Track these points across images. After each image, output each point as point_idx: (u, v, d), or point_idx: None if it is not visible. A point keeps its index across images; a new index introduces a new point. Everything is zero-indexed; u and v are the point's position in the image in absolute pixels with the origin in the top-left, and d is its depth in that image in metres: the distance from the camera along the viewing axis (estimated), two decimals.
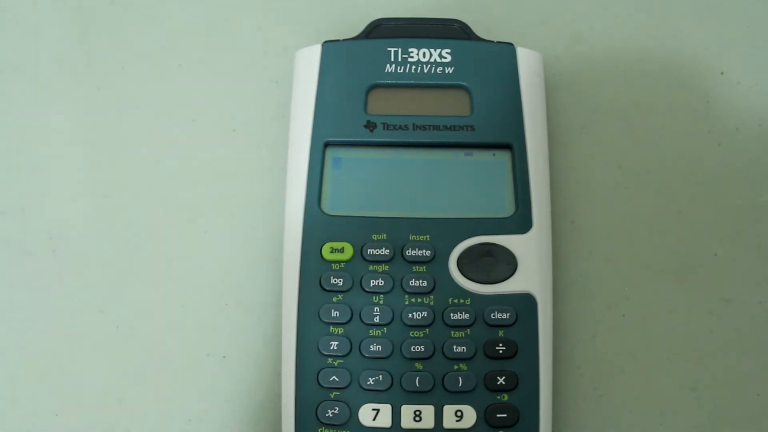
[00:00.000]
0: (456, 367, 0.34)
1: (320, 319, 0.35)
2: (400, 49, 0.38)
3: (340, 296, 0.35)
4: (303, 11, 0.43)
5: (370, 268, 0.35)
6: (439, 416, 0.34)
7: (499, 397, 0.34)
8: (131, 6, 0.43)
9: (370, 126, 0.37)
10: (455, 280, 0.35)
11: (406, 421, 0.34)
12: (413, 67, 0.38)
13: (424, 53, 0.38)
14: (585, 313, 0.38)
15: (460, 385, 0.34)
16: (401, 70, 0.38)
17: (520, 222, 0.36)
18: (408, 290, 0.35)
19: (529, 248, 0.36)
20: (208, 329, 0.38)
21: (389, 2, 0.43)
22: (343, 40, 0.39)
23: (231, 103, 0.41)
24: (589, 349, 0.38)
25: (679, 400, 0.37)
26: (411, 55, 0.38)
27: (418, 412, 0.34)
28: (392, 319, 0.35)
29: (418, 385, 0.34)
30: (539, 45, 0.40)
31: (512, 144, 0.37)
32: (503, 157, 0.37)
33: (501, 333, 0.35)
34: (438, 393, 0.34)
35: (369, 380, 0.34)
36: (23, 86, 0.42)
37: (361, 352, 0.35)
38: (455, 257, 0.35)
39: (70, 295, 0.39)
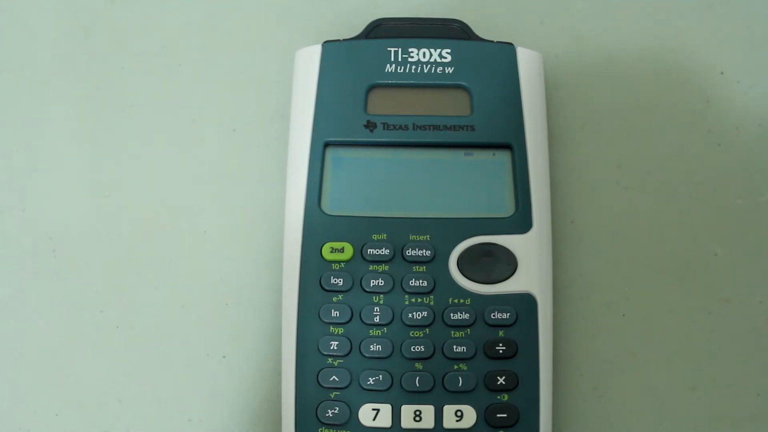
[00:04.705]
0: (456, 367, 0.34)
1: (320, 319, 0.35)
2: (400, 49, 0.38)
3: (340, 296, 0.35)
4: (303, 11, 0.43)
5: (370, 268, 0.35)
6: (439, 416, 0.34)
7: (499, 397, 0.34)
8: (131, 6, 0.43)
9: (370, 126, 0.37)
10: (455, 280, 0.35)
11: (406, 421, 0.34)
12: (413, 67, 0.38)
13: (424, 53, 0.38)
14: (585, 313, 0.38)
15: (460, 385, 0.34)
16: (401, 70, 0.38)
17: (520, 222, 0.36)
18: (408, 290, 0.35)
19: (529, 248, 0.36)
20: (208, 329, 0.38)
21: (389, 2, 0.43)
22: (343, 40, 0.39)
23: (231, 103, 0.41)
24: (589, 349, 0.38)
25: (679, 400, 0.37)
26: (411, 55, 0.38)
27: (418, 412, 0.34)
28: (392, 319, 0.35)
29: (418, 385, 0.34)
30: (539, 45, 0.40)
31: (512, 144, 0.37)
32: (503, 157, 0.37)
33: (501, 333, 0.35)
34: (438, 393, 0.34)
35: (369, 380, 0.34)
36: (23, 86, 0.42)
37: (361, 352, 0.35)
38: (455, 257, 0.35)
39: (70, 295, 0.39)
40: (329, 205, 0.36)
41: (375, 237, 0.36)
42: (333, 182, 0.37)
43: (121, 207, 0.40)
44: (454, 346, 0.34)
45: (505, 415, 0.34)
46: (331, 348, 0.34)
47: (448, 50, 0.38)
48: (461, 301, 0.35)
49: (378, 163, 0.37)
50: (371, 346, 0.34)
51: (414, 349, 0.34)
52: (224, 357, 0.38)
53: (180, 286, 0.39)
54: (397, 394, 0.34)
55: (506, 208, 0.36)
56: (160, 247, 0.39)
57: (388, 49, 0.38)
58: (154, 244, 0.39)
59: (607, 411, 0.37)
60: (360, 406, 0.34)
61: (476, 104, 0.37)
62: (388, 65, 0.38)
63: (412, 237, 0.36)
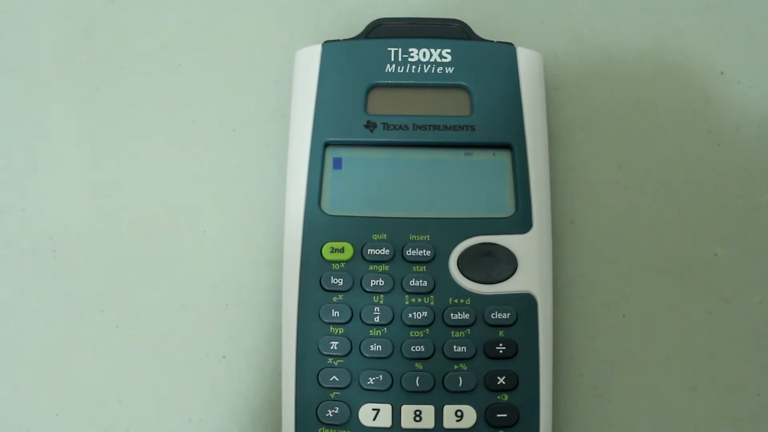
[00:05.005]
0: (456, 367, 0.34)
1: (320, 319, 0.35)
2: (400, 49, 0.38)
3: (340, 296, 0.35)
4: (303, 11, 0.43)
5: (371, 268, 0.35)
6: (439, 416, 0.34)
7: (499, 397, 0.34)
8: (131, 6, 0.43)
9: (370, 126, 0.37)
10: (455, 280, 0.35)
11: (407, 421, 0.34)
12: (413, 67, 0.38)
13: (424, 53, 0.38)
14: (585, 313, 0.38)
15: (460, 385, 0.34)
16: (401, 70, 0.38)
17: (520, 222, 0.36)
18: (408, 290, 0.35)
19: (529, 248, 0.36)
20: (208, 329, 0.38)
21: (389, 2, 0.43)
22: (344, 40, 0.39)
23: (231, 103, 0.41)
24: (589, 349, 0.38)
25: (679, 400, 0.37)
26: (411, 55, 0.38)
27: (418, 412, 0.34)
28: (392, 319, 0.35)
29: (418, 385, 0.34)
30: (539, 45, 0.40)
31: (512, 144, 0.37)
32: (503, 157, 0.37)
33: (501, 333, 0.35)
34: (438, 393, 0.34)
35: (369, 380, 0.34)
36: (23, 86, 0.42)
37: (361, 352, 0.35)
38: (455, 257, 0.35)
39: (70, 295, 0.39)
40: (329, 205, 0.36)
41: (375, 237, 0.36)
42: (333, 182, 0.37)
43: (121, 207, 0.40)
44: (454, 346, 0.34)
45: (505, 415, 0.34)
46: (331, 348, 0.34)
47: (448, 50, 0.38)
48: (461, 301, 0.35)
49: (378, 163, 0.37)
50: (371, 346, 0.34)
51: (414, 349, 0.34)
52: (224, 357, 0.38)
53: (180, 286, 0.39)
54: (397, 394, 0.34)
55: (506, 208, 0.36)
56: (160, 247, 0.39)
57: (388, 49, 0.38)
58: (154, 244, 0.39)
59: (607, 411, 0.37)
60: (360, 406, 0.34)
61: (476, 104, 0.37)
62: (388, 65, 0.38)
63: (412, 237, 0.36)
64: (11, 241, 0.40)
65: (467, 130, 0.37)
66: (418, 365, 0.34)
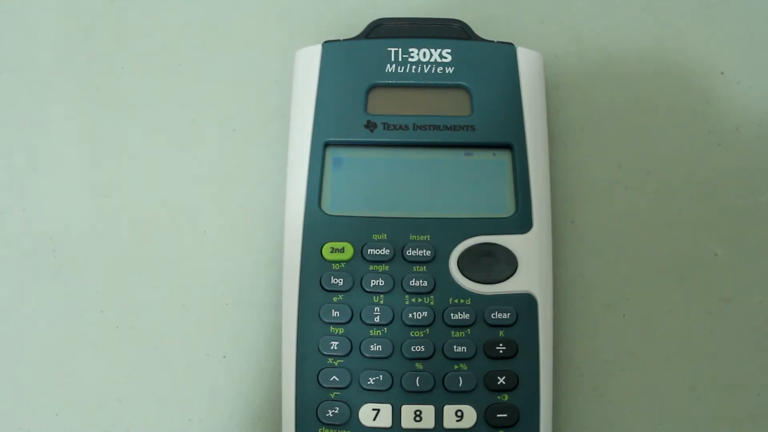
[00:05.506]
0: (456, 367, 0.34)
1: (320, 319, 0.35)
2: (400, 49, 0.38)
3: (340, 296, 0.35)
4: (303, 11, 0.43)
5: (371, 268, 0.35)
6: (439, 416, 0.34)
7: (499, 397, 0.34)
8: (131, 6, 0.43)
9: (371, 126, 0.37)
10: (455, 280, 0.35)
11: (407, 421, 0.34)
12: (413, 67, 0.38)
13: (424, 53, 0.38)
14: (585, 313, 0.38)
15: (460, 385, 0.34)
16: (401, 70, 0.38)
17: (520, 222, 0.36)
18: (408, 290, 0.35)
19: (529, 248, 0.36)
20: (208, 329, 0.38)
21: (389, 2, 0.43)
22: (344, 40, 0.39)
23: (231, 103, 0.41)
24: (589, 349, 0.38)
25: (679, 400, 0.37)
26: (411, 55, 0.38)
27: (418, 412, 0.34)
28: (392, 319, 0.35)
29: (418, 385, 0.34)
30: (539, 45, 0.40)
31: (512, 144, 0.37)
32: (503, 157, 0.37)
33: (501, 333, 0.35)
34: (438, 393, 0.34)
35: (369, 380, 0.34)
36: (24, 86, 0.42)
37: (361, 352, 0.35)
38: (455, 257, 0.35)
39: (70, 295, 0.39)
40: (329, 205, 0.36)
41: (375, 237, 0.36)
42: (333, 182, 0.37)
43: (121, 207, 0.40)
44: (455, 346, 0.34)
45: (505, 415, 0.34)
46: (332, 348, 0.34)
47: (448, 50, 0.38)
48: (461, 301, 0.35)
49: (378, 163, 0.37)
50: (371, 346, 0.34)
51: (414, 349, 0.34)
52: (224, 357, 0.38)
53: (180, 286, 0.39)
54: (397, 394, 0.34)
55: (506, 208, 0.36)
56: (160, 247, 0.39)
57: (388, 49, 0.38)
58: (154, 244, 0.39)
59: (607, 411, 0.37)
60: (360, 406, 0.34)
61: (476, 104, 0.37)
62: (388, 65, 0.38)
63: (412, 237, 0.36)
64: (11, 241, 0.40)
65: (467, 130, 0.37)
66: (418, 365, 0.34)
